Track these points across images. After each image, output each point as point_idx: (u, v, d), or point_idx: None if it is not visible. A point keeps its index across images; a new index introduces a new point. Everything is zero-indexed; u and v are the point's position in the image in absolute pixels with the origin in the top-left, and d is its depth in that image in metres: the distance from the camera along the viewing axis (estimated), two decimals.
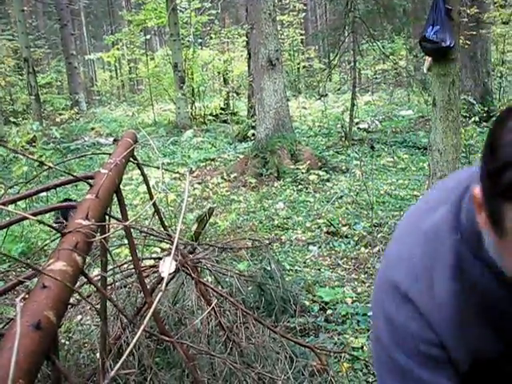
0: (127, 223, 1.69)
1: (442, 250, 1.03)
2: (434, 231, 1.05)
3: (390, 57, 12.76)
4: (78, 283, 1.71)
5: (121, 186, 2.04)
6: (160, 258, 2.48)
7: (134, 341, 0.66)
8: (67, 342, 2.97)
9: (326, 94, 15.74)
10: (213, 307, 2.46)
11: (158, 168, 3.28)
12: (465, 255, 1.00)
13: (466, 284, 1.01)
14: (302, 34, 22.36)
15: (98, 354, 2.72)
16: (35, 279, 1.60)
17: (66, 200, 6.18)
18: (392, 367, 1.04)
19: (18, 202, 1.89)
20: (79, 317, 3.49)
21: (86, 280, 1.71)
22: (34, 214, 1.67)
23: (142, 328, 0.67)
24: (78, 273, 1.32)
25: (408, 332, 1.02)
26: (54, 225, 1.49)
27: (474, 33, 10.67)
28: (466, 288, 1.01)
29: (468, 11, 10.04)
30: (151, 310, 0.68)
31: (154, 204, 2.42)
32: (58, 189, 1.91)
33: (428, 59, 5.04)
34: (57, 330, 1.16)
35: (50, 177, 8.70)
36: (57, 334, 1.19)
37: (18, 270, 4.71)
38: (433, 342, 1.02)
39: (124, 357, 0.66)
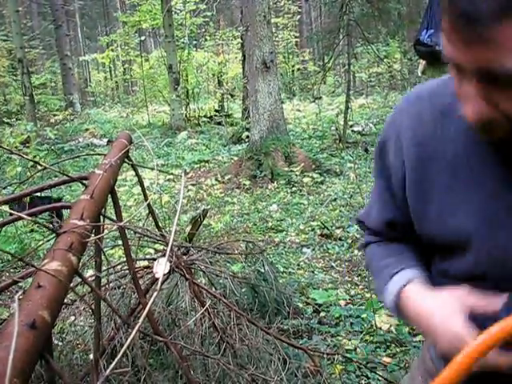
0: (122, 224, 1.70)
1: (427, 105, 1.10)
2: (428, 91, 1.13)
3: (385, 60, 12.81)
4: (73, 283, 1.72)
5: (115, 187, 2.05)
6: (154, 259, 2.48)
7: (129, 341, 0.67)
8: (60, 343, 2.97)
9: (321, 97, 15.78)
10: (206, 308, 2.46)
11: (153, 169, 3.29)
12: (448, 107, 1.05)
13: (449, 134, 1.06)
14: (296, 37, 22.42)
15: (91, 355, 2.71)
16: (29, 279, 1.60)
17: (58, 200, 6.17)
18: None
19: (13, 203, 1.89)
20: (73, 317, 3.49)
21: (80, 280, 1.71)
22: (29, 215, 1.67)
23: (136, 328, 0.68)
24: (73, 273, 1.32)
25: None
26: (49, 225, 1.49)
27: None
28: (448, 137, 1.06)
29: None
30: (146, 309, 0.69)
31: (149, 205, 2.43)
32: (52, 190, 1.92)
33: (422, 62, 5.08)
34: (51, 330, 1.17)
35: (44, 177, 8.68)
36: (51, 334, 1.20)
37: (12, 270, 4.70)
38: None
39: (118, 357, 0.67)
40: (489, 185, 1.01)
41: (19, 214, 1.52)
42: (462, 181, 1.04)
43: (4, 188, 2.73)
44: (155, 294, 0.66)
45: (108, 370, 0.63)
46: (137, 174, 2.41)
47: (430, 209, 1.08)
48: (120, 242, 2.72)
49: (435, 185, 1.08)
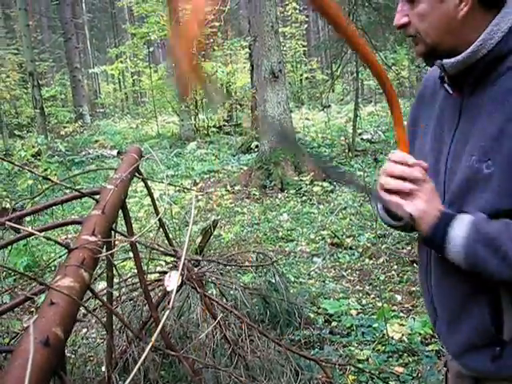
0: (133, 239, 1.71)
1: None
2: None
3: (393, 67, 12.81)
4: (84, 297, 1.73)
5: (126, 200, 2.06)
6: (165, 272, 2.49)
7: (142, 359, 0.68)
8: (73, 356, 2.98)
9: (329, 105, 15.79)
10: (218, 320, 2.47)
11: (163, 182, 3.30)
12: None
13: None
14: (304, 46, 22.45)
15: (103, 368, 2.72)
16: (42, 294, 1.62)
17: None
18: None
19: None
20: (84, 330, 3.51)
21: (92, 294, 1.72)
22: (41, 230, 1.69)
23: (149, 346, 0.69)
24: (85, 289, 1.34)
25: None
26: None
27: None
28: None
29: None
30: (159, 327, 0.70)
31: (160, 219, 2.44)
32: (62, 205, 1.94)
33: (430, 69, 5.07)
34: (64, 346, 1.18)
35: (56, 190, 8.73)
36: (64, 350, 1.21)
37: (24, 283, 4.72)
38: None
39: (132, 374, 0.68)
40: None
41: (31, 230, 1.54)
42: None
43: (16, 203, 2.76)
44: (167, 312, 0.66)
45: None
46: (147, 188, 2.42)
47: None
48: (131, 255, 2.74)
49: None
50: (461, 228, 1.23)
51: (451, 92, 1.38)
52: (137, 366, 0.66)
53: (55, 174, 9.49)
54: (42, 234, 1.52)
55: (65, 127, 18.03)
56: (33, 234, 1.57)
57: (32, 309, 4.55)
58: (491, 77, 1.27)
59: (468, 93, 1.32)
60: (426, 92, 1.53)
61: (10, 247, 3.90)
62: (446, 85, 1.39)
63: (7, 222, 1.45)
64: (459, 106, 1.35)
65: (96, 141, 15.83)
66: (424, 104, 1.52)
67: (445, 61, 1.30)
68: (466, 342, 1.35)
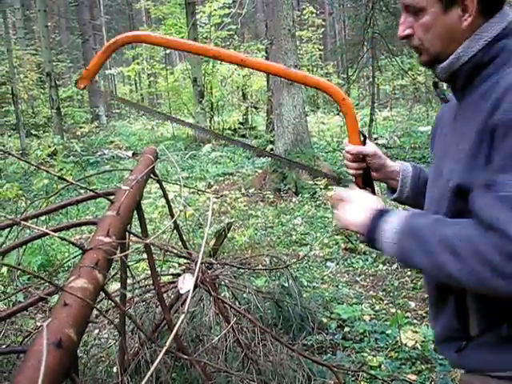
0: (148, 241, 1.70)
1: None
2: None
3: (409, 72, 12.76)
4: (98, 298, 1.73)
5: (141, 202, 2.05)
6: (179, 275, 2.48)
7: (156, 363, 0.67)
8: (85, 356, 2.98)
9: None
10: (231, 324, 2.45)
11: (178, 184, 3.30)
12: None
13: None
14: (320, 50, 22.44)
15: (115, 369, 2.72)
16: (56, 294, 1.61)
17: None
18: None
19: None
20: (96, 331, 3.51)
21: (105, 295, 1.72)
22: (55, 230, 1.69)
23: (163, 351, 0.68)
24: (99, 290, 1.33)
25: None
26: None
27: None
28: None
29: None
30: (173, 332, 0.69)
31: (174, 221, 2.43)
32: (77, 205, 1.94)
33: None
34: (77, 348, 1.17)
35: (71, 190, 8.78)
36: (77, 352, 1.20)
37: (38, 282, 4.74)
38: None
39: (146, 378, 0.67)
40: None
41: (45, 230, 1.53)
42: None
43: (32, 203, 2.76)
44: (182, 316, 0.65)
45: None
46: (162, 189, 2.42)
47: None
48: (144, 256, 2.73)
49: None
50: (393, 221, 1.32)
51: (442, 96, 1.49)
52: (151, 370, 0.65)
53: (70, 174, 9.55)
54: (57, 234, 1.52)
55: (81, 127, 18.15)
56: (47, 234, 1.57)
57: (45, 308, 4.57)
58: (475, 82, 1.33)
59: (460, 97, 1.40)
60: (443, 111, 1.61)
61: (24, 246, 3.91)
62: (437, 90, 1.49)
63: (22, 222, 1.44)
64: (456, 110, 1.43)
65: (111, 141, 15.92)
66: (441, 121, 1.60)
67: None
68: (441, 334, 1.45)
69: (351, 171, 1.75)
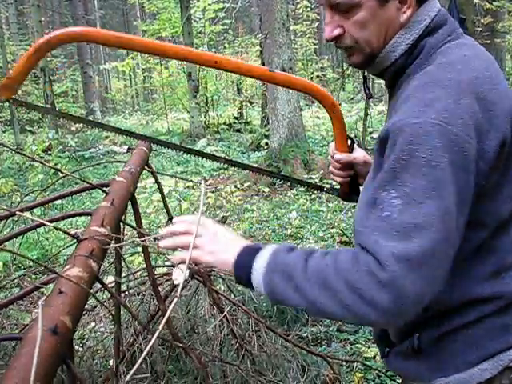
0: (141, 230, 1.71)
1: None
2: None
3: None
4: (93, 289, 1.74)
5: (135, 194, 2.07)
6: (173, 266, 2.50)
7: (149, 347, 0.68)
8: (81, 349, 3.00)
9: (340, 104, 15.72)
10: (225, 315, 2.47)
11: (172, 176, 3.31)
12: None
13: None
14: (315, 44, 22.40)
15: (111, 361, 2.74)
16: (50, 285, 1.63)
17: None
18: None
19: (34, 210, 1.92)
20: (93, 323, 3.52)
21: (100, 286, 1.73)
22: (51, 221, 1.70)
23: (156, 334, 0.69)
24: (94, 279, 1.34)
25: None
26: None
27: (489, 42, 10.64)
28: None
29: (482, 20, 10.03)
30: (166, 315, 0.70)
31: (168, 212, 2.45)
32: (73, 196, 1.95)
33: None
34: (72, 335, 1.18)
35: (65, 185, 8.78)
36: (72, 339, 1.22)
37: (33, 276, 4.75)
38: None
39: (138, 363, 0.68)
40: None
41: (41, 221, 1.55)
42: None
43: (26, 195, 2.78)
44: (175, 300, 0.67)
45: (128, 376, 0.64)
46: (156, 181, 2.43)
47: None
48: (139, 249, 2.75)
49: None
50: (262, 259, 1.18)
51: (367, 92, 1.44)
52: (143, 355, 0.66)
53: (66, 169, 9.53)
54: (52, 224, 1.53)
55: (75, 123, 18.08)
56: (43, 225, 1.58)
57: (39, 303, 4.58)
58: (398, 83, 1.27)
59: (390, 96, 1.33)
60: None
61: (20, 240, 3.92)
62: (364, 85, 1.43)
63: (18, 212, 1.46)
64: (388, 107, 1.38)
65: (106, 137, 15.87)
66: None
67: None
68: (374, 337, 1.45)
69: (338, 179, 1.66)
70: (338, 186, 1.71)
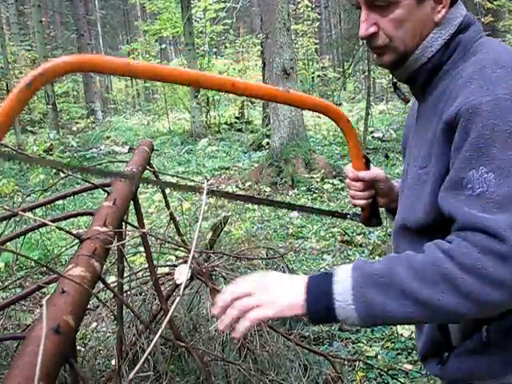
0: (144, 230, 1.72)
1: None
2: None
3: None
4: (95, 289, 1.74)
5: (137, 194, 2.07)
6: (175, 266, 2.50)
7: (151, 346, 0.68)
8: (83, 349, 3.00)
9: (341, 103, 15.76)
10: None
11: (174, 176, 3.32)
12: None
13: None
14: (316, 44, 22.39)
15: (113, 361, 2.74)
16: (52, 285, 1.63)
17: None
18: None
19: (36, 210, 1.92)
20: (95, 323, 3.53)
21: (102, 286, 1.74)
22: (53, 221, 1.70)
23: (158, 333, 0.69)
24: (96, 278, 1.34)
25: None
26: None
27: None
28: None
29: (483, 20, 10.02)
30: (168, 315, 0.70)
31: (171, 212, 2.45)
32: (74, 197, 1.95)
33: None
34: (75, 335, 1.19)
35: (67, 185, 8.78)
36: (75, 339, 1.22)
37: (35, 276, 4.76)
38: None
39: (141, 362, 0.68)
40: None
41: (43, 221, 1.55)
42: None
43: (28, 196, 2.78)
44: (178, 299, 0.67)
45: (132, 375, 0.64)
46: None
47: None
48: (141, 249, 2.75)
49: None
50: (343, 279, 1.07)
51: (402, 97, 1.41)
52: (146, 354, 0.67)
53: (66, 170, 9.52)
54: (55, 224, 1.53)
55: (77, 123, 18.12)
56: (45, 225, 1.58)
57: (43, 302, 4.58)
58: (434, 81, 1.26)
59: (420, 98, 1.33)
60: (411, 109, 1.49)
61: (22, 241, 3.92)
62: (397, 91, 1.41)
63: (20, 212, 1.46)
64: (417, 112, 1.36)
65: (108, 137, 15.89)
66: (409, 120, 1.49)
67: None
68: (424, 349, 1.33)
69: (361, 202, 1.53)
70: (359, 211, 1.58)
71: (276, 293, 1.10)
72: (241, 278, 1.16)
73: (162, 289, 2.54)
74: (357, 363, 3.23)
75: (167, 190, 6.02)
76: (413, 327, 3.75)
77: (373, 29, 1.23)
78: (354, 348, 3.60)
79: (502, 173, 1.00)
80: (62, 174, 2.10)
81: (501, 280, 0.97)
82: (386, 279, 1.03)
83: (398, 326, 3.69)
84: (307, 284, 1.10)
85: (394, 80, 1.37)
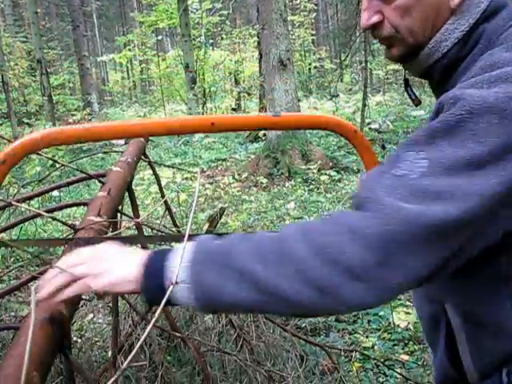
0: (139, 220, 1.71)
1: None
2: None
3: None
4: None
5: (132, 186, 2.06)
6: None
7: (146, 333, 0.68)
8: (79, 340, 3.00)
9: (338, 95, 15.72)
10: None
11: (170, 167, 3.31)
12: None
13: None
14: (313, 35, 22.38)
15: (109, 352, 2.74)
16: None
17: None
18: None
19: (32, 202, 1.92)
20: (91, 315, 3.53)
21: None
22: (48, 212, 1.69)
23: (152, 321, 0.69)
24: None
25: None
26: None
27: None
28: None
29: None
30: (162, 303, 0.70)
31: (166, 202, 2.44)
32: (70, 188, 1.94)
33: None
34: (69, 324, 1.18)
35: (63, 177, 8.76)
36: (69, 329, 1.21)
37: (31, 268, 4.75)
38: None
39: (136, 349, 0.68)
40: None
41: (38, 211, 1.54)
42: None
43: (23, 186, 2.77)
44: (171, 287, 0.66)
45: (125, 364, 0.64)
46: (153, 171, 2.42)
47: None
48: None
49: None
50: (180, 253, 0.90)
51: (414, 98, 1.21)
52: (140, 341, 0.66)
53: (63, 161, 9.50)
54: (49, 214, 1.52)
55: (73, 115, 18.07)
56: (40, 215, 1.57)
57: (32, 289, 4.58)
58: (453, 78, 1.06)
59: (437, 95, 1.10)
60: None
61: (17, 232, 3.91)
62: (409, 89, 1.22)
63: (14, 202, 1.45)
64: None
65: None
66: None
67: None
68: (438, 380, 1.17)
69: None
70: None
71: (111, 264, 0.94)
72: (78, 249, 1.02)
73: None
74: (353, 354, 3.23)
75: (163, 182, 6.00)
76: (410, 318, 3.77)
77: (376, 18, 1.05)
78: (350, 339, 3.60)
79: (436, 167, 0.85)
80: (57, 166, 2.09)
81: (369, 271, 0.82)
82: (225, 257, 0.87)
83: (395, 317, 3.70)
84: (148, 257, 0.93)
85: (407, 76, 1.20)
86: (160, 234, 2.40)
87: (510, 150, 0.84)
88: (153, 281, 0.89)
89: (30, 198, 1.89)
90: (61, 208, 1.76)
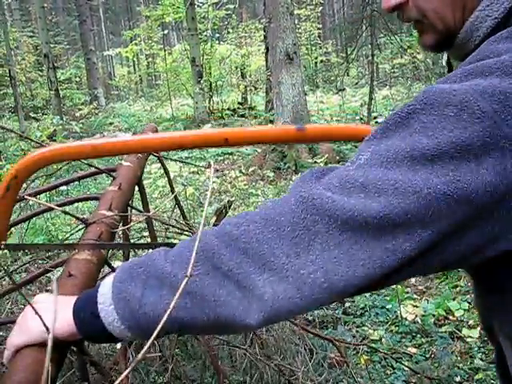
0: (149, 214, 1.72)
1: None
2: None
3: (408, 50, 12.67)
4: (101, 273, 1.75)
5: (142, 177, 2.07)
6: None
7: (159, 327, 0.69)
8: None
9: (344, 89, 15.68)
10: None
11: (178, 161, 3.31)
12: None
13: None
14: (319, 28, 22.32)
15: (118, 345, 2.75)
16: (56, 269, 1.63)
17: None
18: None
19: (40, 196, 1.93)
20: None
21: (108, 270, 1.74)
22: (59, 206, 1.70)
23: (164, 318, 0.69)
24: (102, 262, 1.35)
25: None
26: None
27: None
28: None
29: None
30: (175, 298, 0.70)
31: (175, 196, 2.45)
32: (79, 182, 1.95)
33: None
34: None
35: (71, 171, 8.79)
36: None
37: (40, 261, 4.77)
38: None
39: (150, 341, 0.69)
40: None
41: (49, 205, 1.55)
42: None
43: (32, 182, 2.79)
44: (185, 280, 0.67)
45: (140, 355, 0.65)
46: (163, 165, 2.43)
47: None
48: (146, 234, 2.75)
49: None
50: (108, 280, 0.85)
51: None
52: (152, 337, 0.67)
53: None
54: (61, 208, 1.53)
55: (80, 109, 18.10)
56: (51, 209, 1.58)
57: (49, 287, 4.61)
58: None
59: None
60: None
61: (26, 226, 3.92)
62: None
63: (26, 196, 1.46)
64: None
65: (111, 123, 15.88)
66: None
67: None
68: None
69: None
70: None
71: (44, 314, 0.83)
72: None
73: None
74: (361, 347, 3.24)
75: (170, 176, 6.01)
76: (417, 311, 3.77)
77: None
78: (358, 332, 3.61)
79: (374, 159, 0.76)
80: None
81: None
82: (145, 268, 0.82)
83: (402, 310, 3.70)
84: (78, 297, 0.90)
85: (449, 60, 1.05)
86: (171, 227, 2.41)
87: (466, 147, 0.71)
88: (86, 311, 0.86)
89: (41, 192, 1.90)
90: (72, 202, 1.77)
